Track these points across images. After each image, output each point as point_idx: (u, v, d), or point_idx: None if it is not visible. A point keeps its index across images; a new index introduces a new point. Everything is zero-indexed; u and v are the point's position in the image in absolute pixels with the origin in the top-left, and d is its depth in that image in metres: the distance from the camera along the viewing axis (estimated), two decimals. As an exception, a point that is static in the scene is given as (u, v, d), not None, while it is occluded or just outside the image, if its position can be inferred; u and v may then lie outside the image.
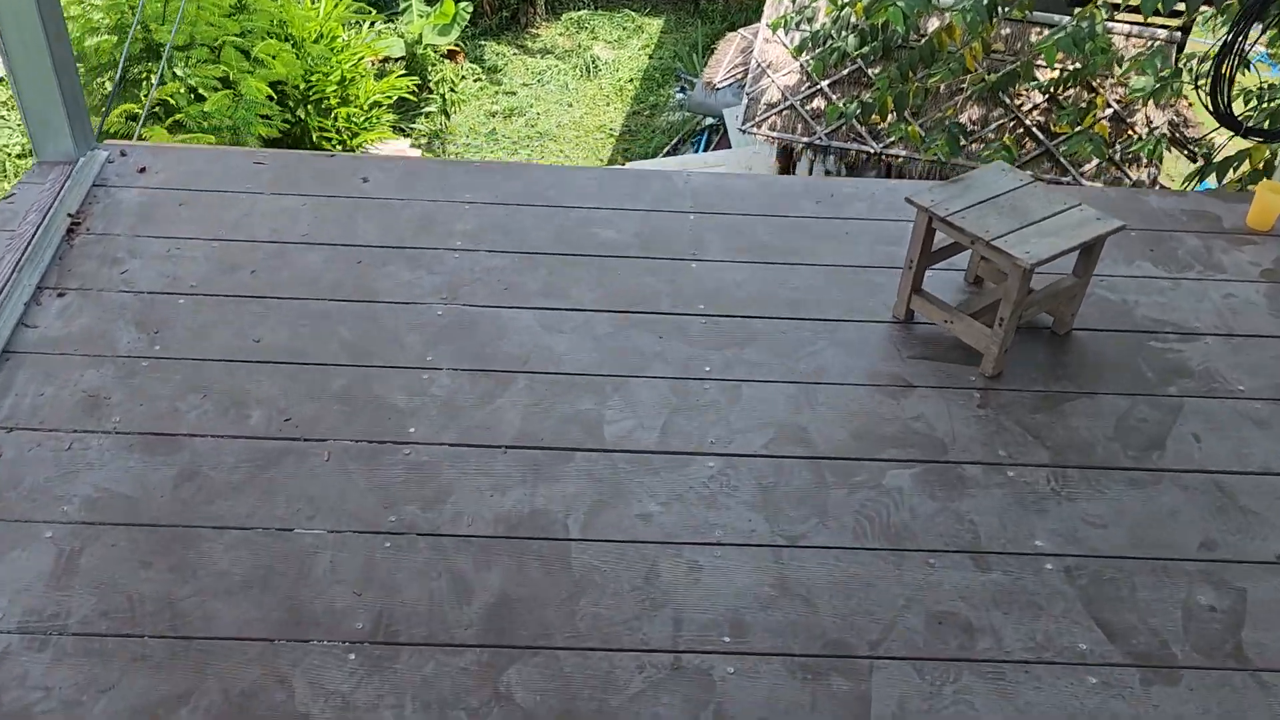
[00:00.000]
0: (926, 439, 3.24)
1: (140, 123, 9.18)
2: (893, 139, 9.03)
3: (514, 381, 3.37)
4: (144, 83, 9.59)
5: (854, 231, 4.10)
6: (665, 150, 12.73)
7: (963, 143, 8.17)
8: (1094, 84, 9.44)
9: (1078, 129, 9.17)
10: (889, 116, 8.53)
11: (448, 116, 12.86)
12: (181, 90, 9.59)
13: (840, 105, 8.47)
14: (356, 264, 3.80)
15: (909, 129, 8.33)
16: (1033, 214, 3.45)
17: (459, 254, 3.87)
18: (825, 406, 3.34)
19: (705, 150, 12.68)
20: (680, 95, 13.32)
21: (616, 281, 3.79)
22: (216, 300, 3.61)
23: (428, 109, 12.92)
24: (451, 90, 12.80)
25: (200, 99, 9.78)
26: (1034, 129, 9.66)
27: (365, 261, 3.81)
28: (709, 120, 12.90)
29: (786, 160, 10.28)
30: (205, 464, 3.02)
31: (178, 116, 9.66)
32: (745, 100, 10.12)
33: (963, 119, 9.84)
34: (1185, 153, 9.92)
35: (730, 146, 12.44)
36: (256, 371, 3.34)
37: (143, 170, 4.19)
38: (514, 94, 13.51)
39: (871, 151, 9.72)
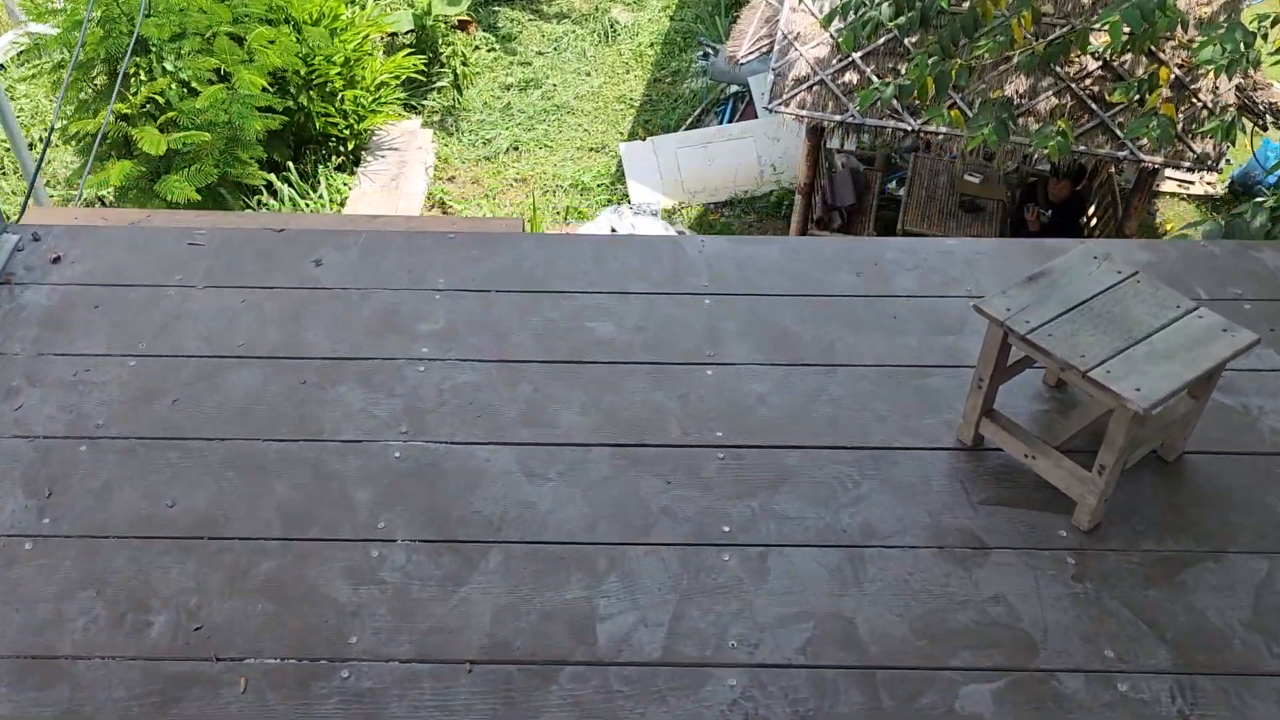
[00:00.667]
0: (1009, 633, 2.48)
1: (95, 141, 8.44)
2: (932, 121, 8.12)
3: (486, 557, 2.63)
4: (133, 79, 8.81)
5: (903, 314, 3.31)
6: (688, 122, 11.83)
7: (1012, 128, 7.27)
8: (1156, 49, 8.45)
9: (1140, 107, 8.23)
10: (929, 98, 7.63)
11: (460, 92, 12.00)
12: (172, 86, 8.82)
13: (874, 87, 7.58)
14: (300, 384, 3.06)
15: (951, 113, 7.44)
16: (1139, 325, 2.65)
17: (425, 366, 3.11)
18: (877, 583, 2.58)
19: (730, 120, 11.77)
20: (703, 62, 12.37)
21: (615, 399, 3.03)
22: (126, 446, 2.88)
23: (439, 84, 12.06)
24: (464, 65, 11.92)
25: (194, 94, 9.01)
26: (1087, 99, 8.71)
27: (312, 381, 3.06)
28: (734, 88, 11.97)
29: (817, 139, 9.39)
30: (88, 702, 2.32)
31: (170, 115, 8.89)
32: (772, 75, 9.21)
33: (1008, 90, 8.89)
34: (1256, 122, 8.95)
35: (756, 116, 11.54)
36: (166, 553, 2.63)
37: (56, 260, 3.44)
38: (529, 64, 12.61)
39: (909, 129, 8.81)
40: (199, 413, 2.96)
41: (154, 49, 8.74)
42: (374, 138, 11.19)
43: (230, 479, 2.79)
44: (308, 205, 10.16)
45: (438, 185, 11.23)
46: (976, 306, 2.70)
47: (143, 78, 8.74)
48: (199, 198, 8.90)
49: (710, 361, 3.14)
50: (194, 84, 9.01)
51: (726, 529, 2.70)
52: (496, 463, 2.85)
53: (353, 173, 10.92)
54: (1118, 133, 8.61)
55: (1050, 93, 8.75)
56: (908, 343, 3.22)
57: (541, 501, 2.75)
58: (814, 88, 9.02)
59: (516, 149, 11.66)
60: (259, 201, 10.03)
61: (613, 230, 9.82)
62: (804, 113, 8.99)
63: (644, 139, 11.57)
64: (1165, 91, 7.87)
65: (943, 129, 8.56)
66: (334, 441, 2.89)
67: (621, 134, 11.86)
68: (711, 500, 2.77)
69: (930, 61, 7.38)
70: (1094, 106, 8.64)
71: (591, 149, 11.76)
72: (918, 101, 7.89)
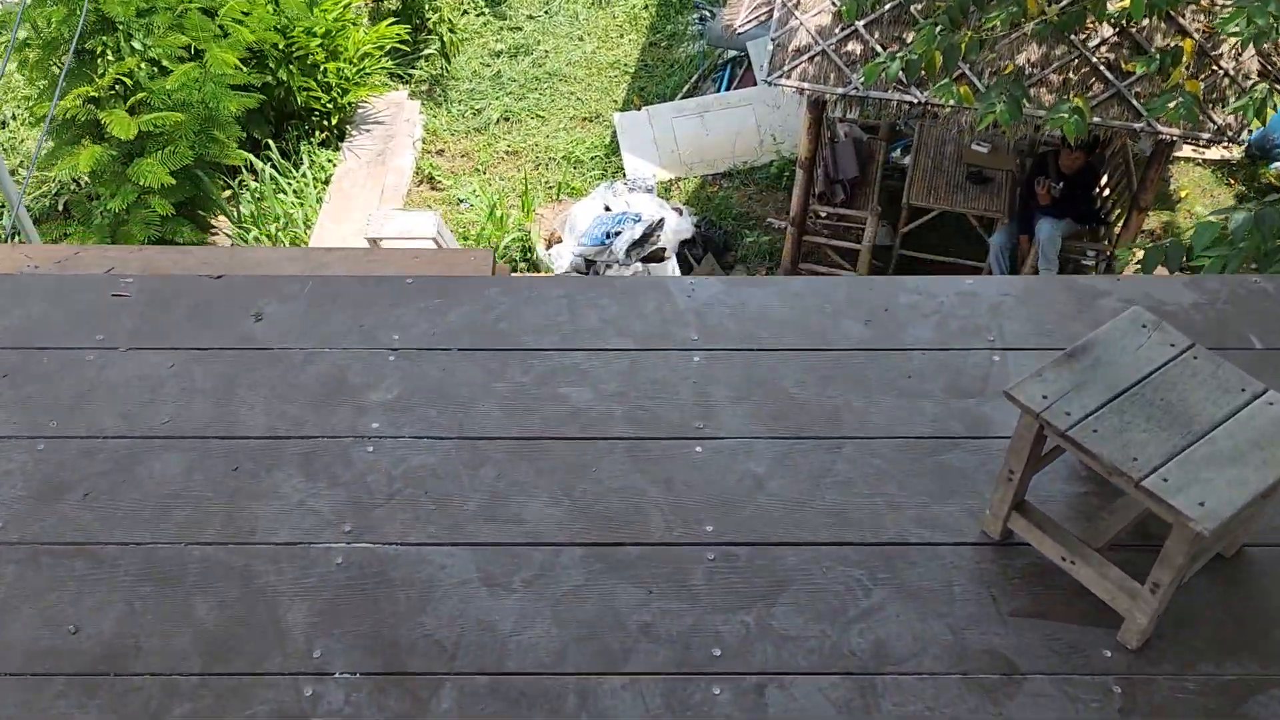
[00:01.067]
0: (1048, 790, 2.11)
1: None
2: (941, 98, 7.60)
3: (438, 694, 2.24)
4: (100, 59, 8.32)
5: (919, 372, 2.89)
6: (685, 89, 11.31)
7: (1025, 104, 6.79)
8: (1177, 14, 7.93)
9: (1161, 79, 7.72)
10: (937, 73, 7.15)
11: (448, 60, 11.47)
12: (141, 65, 8.32)
13: (878, 62, 7.08)
14: (232, 471, 2.65)
15: (960, 90, 6.95)
16: (1199, 416, 2.23)
17: (374, 445, 2.70)
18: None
19: (728, 88, 11.25)
20: (699, 26, 11.82)
21: (590, 486, 2.62)
22: (29, 554, 2.49)
23: (426, 52, 11.53)
24: (451, 31, 11.37)
25: (166, 72, 8.52)
26: (1103, 68, 8.20)
27: (245, 468, 2.66)
28: (732, 53, 11.44)
29: (818, 112, 8.89)
30: None
31: (140, 96, 8.41)
32: (771, 45, 8.69)
33: (1019, 59, 8.38)
34: (1276, 88, 8.43)
35: (755, 83, 11.01)
36: (65, 694, 2.24)
37: (-38, 315, 3.04)
38: (520, 29, 12.05)
39: (915, 102, 8.32)
40: (113, 510, 2.56)
41: (120, 27, 8.24)
42: (359, 111, 10.70)
43: (145, 596, 2.40)
44: (290, 184, 9.69)
45: (426, 159, 10.76)
46: (1009, 394, 2.28)
47: (110, 57, 8.24)
48: (173, 181, 8.45)
49: (700, 435, 2.73)
50: (165, 62, 8.52)
51: (717, 652, 2.30)
52: (453, 569, 2.45)
53: (337, 148, 10.45)
54: (1134, 102, 8.11)
55: (1064, 61, 8.25)
56: (924, 408, 2.80)
57: (503, 620, 2.36)
58: (815, 58, 8.52)
59: (507, 119, 11.16)
60: (240, 182, 9.56)
61: (606, 208, 9.36)
62: (805, 85, 8.48)
63: (639, 108, 11.07)
64: (1189, 64, 7.37)
65: (951, 105, 8.07)
66: (266, 545, 2.49)
67: (616, 102, 11.35)
68: (700, 614, 2.37)
69: (938, 33, 6.89)
70: (1109, 76, 8.14)
71: (585, 118, 11.26)
72: (925, 75, 7.40)
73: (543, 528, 2.53)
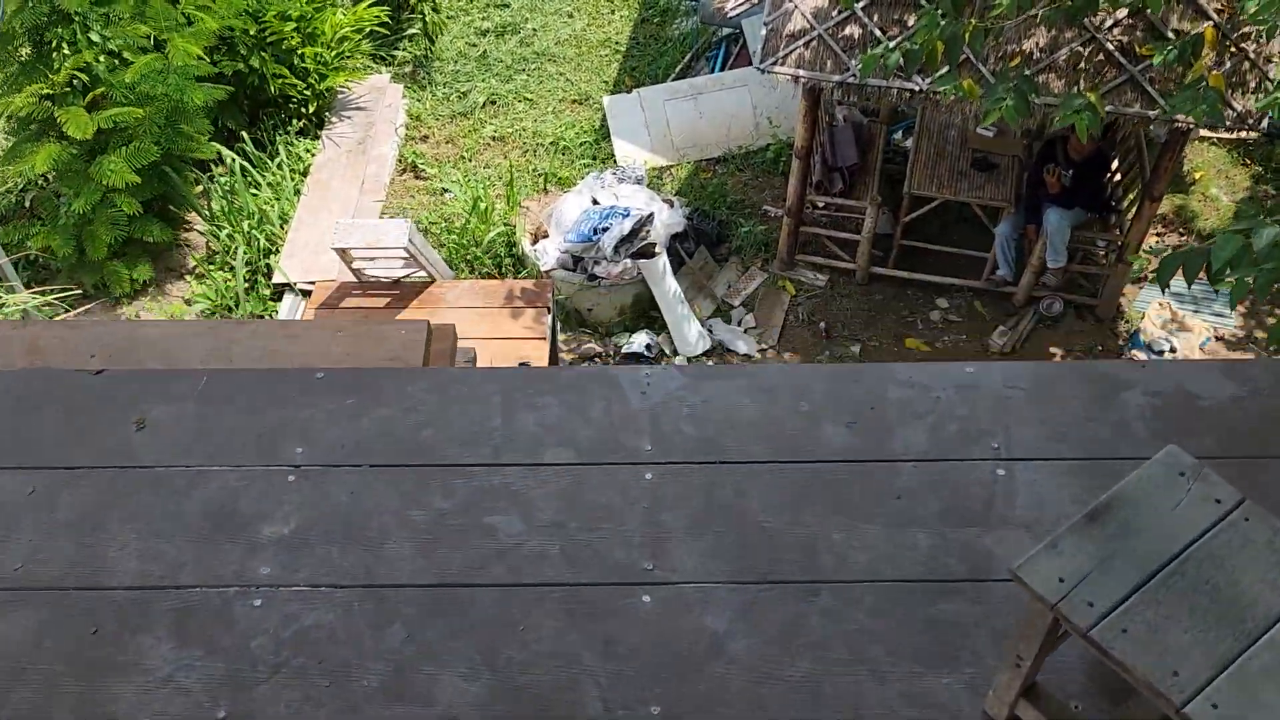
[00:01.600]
0: None
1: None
2: (944, 87, 7.03)
3: None
4: (55, 53, 7.79)
5: (910, 491, 2.42)
6: (678, 69, 10.73)
7: (1035, 99, 6.23)
8: (1196, -1, 7.36)
9: (1180, 69, 7.17)
10: (939, 63, 6.59)
11: (432, 40, 10.89)
12: (100, 58, 7.80)
13: (876, 53, 6.53)
14: (91, 634, 2.21)
15: (965, 83, 6.39)
16: (1253, 605, 1.77)
17: (262, 598, 2.25)
18: None
19: (723, 68, 10.67)
20: (692, 1, 11.22)
21: (516, 652, 2.17)
22: None
23: (409, 31, 10.95)
24: (435, 11, 10.78)
25: (127, 64, 7.99)
26: (1115, 52, 7.64)
27: (106, 629, 2.21)
28: (726, 30, 10.84)
29: (815, 99, 8.34)
30: None
31: (100, 91, 7.89)
32: (764, 30, 8.13)
33: (1026, 45, 7.82)
34: (1300, 73, 7.86)
35: (750, 62, 10.42)
36: None
37: None
38: (507, 6, 11.44)
39: (916, 90, 7.78)
40: (-55, 692, 2.13)
41: (77, 18, 7.71)
42: (339, 97, 10.15)
43: (-29, 811, 1.97)
44: (265, 177, 9.19)
45: (409, 146, 10.23)
46: (1016, 575, 1.81)
47: (65, 51, 7.72)
48: (138, 179, 7.95)
49: (649, 581, 2.27)
50: (127, 54, 7.99)
51: None
52: (346, 770, 2.01)
53: (316, 136, 9.92)
54: (1149, 89, 7.56)
55: (1072, 45, 7.70)
56: (916, 541, 2.34)
57: (402, 842, 1.92)
58: (811, 43, 7.96)
59: (494, 103, 10.61)
60: (210, 177, 9.05)
61: (594, 201, 8.85)
62: (800, 73, 7.94)
63: (630, 89, 10.51)
64: (1210, 54, 6.81)
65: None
66: (124, 738, 2.06)
67: (606, 83, 10.78)
68: (641, 830, 1.94)
69: (941, 21, 6.34)
70: (1123, 60, 7.59)
71: (575, 101, 10.70)
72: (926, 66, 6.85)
73: (457, 710, 2.08)
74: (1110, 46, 7.64)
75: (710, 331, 8.83)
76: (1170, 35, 7.60)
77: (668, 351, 8.71)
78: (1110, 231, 8.85)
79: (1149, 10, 6.05)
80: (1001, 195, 8.84)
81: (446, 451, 2.50)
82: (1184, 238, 9.56)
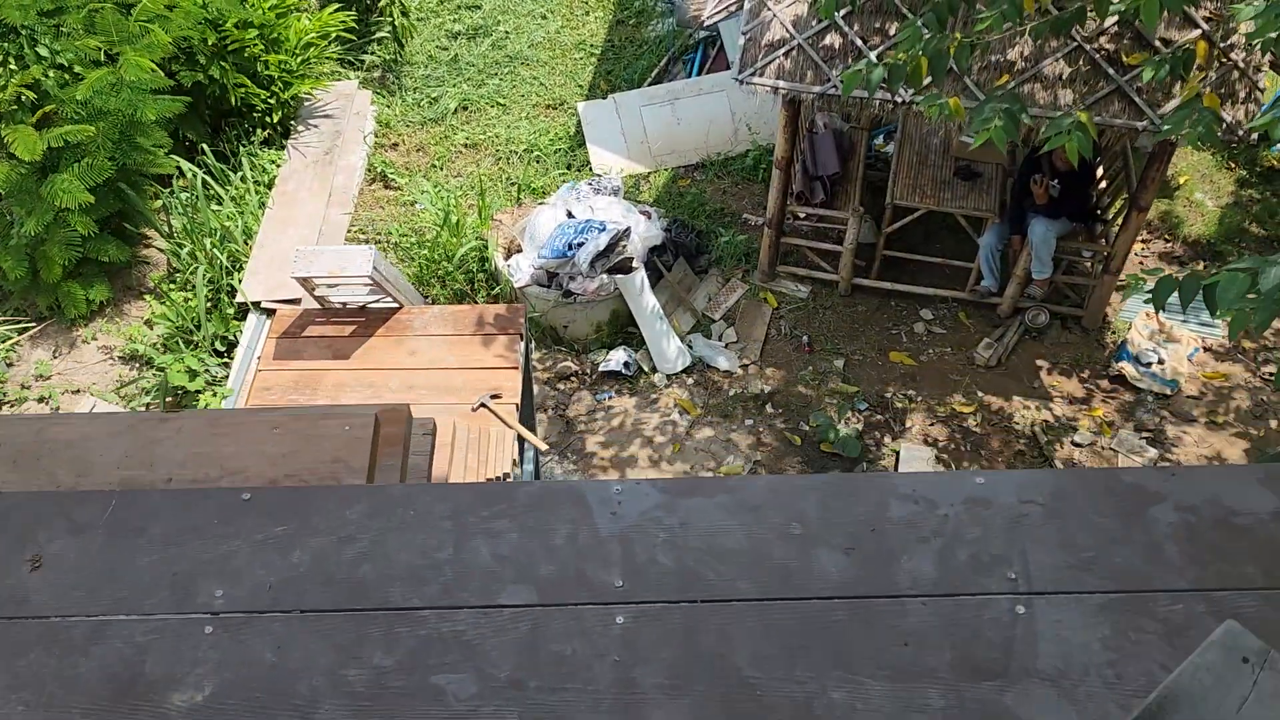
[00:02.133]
0: None
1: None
2: (928, 106, 6.68)
3: None
4: (1, 70, 7.36)
5: (918, 637, 2.09)
6: (654, 73, 10.35)
7: (1025, 118, 5.90)
8: (1190, 6, 7.03)
9: (1171, 85, 6.87)
10: (923, 79, 6.25)
11: (401, 45, 10.47)
12: (49, 74, 7.37)
13: (857, 69, 6.18)
14: (-33, 836, 1.87)
15: (951, 102, 6.06)
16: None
17: (170, 789, 1.91)
18: None
19: (700, 72, 10.30)
20: (668, 3, 10.83)
21: None
22: None
23: (378, 35, 10.53)
24: (403, 15, 10.36)
25: (79, 79, 7.57)
26: (1102, 61, 7.33)
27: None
28: (703, 33, 10.47)
29: (795, 110, 8.00)
30: None
31: (50, 107, 7.47)
32: (742, 40, 7.77)
33: (1012, 54, 7.50)
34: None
35: (728, 66, 10.07)
36: None
37: None
38: (478, 7, 11.02)
39: (900, 102, 7.44)
40: None
41: (24, 32, 7.28)
42: (304, 105, 9.74)
43: None
44: (228, 191, 8.78)
45: (378, 155, 9.84)
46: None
47: (13, 66, 7.29)
48: (91, 198, 7.54)
49: (619, 759, 1.94)
50: (77, 68, 7.57)
51: None
52: None
53: (282, 146, 9.51)
54: (1135, 99, 7.26)
55: (1060, 54, 7.38)
56: (927, 699, 2.01)
57: None
58: (791, 53, 7.62)
59: (466, 108, 10.22)
60: (171, 192, 8.63)
61: (569, 214, 8.49)
62: (780, 84, 7.60)
63: (605, 94, 10.12)
64: (1205, 71, 6.51)
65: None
66: None
67: (581, 87, 10.41)
68: None
69: (924, 38, 6.00)
70: (1110, 70, 7.28)
71: (549, 105, 10.33)
72: (910, 85, 6.52)
73: None
74: (1097, 57, 7.33)
75: (690, 347, 8.50)
76: (1158, 44, 7.30)
77: (646, 369, 8.38)
78: (1096, 242, 8.56)
79: (1141, 20, 5.74)
80: (986, 205, 8.53)
81: (389, 592, 2.15)
82: (1169, 244, 9.29)
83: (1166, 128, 5.63)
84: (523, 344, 6.49)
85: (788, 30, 7.58)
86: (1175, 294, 4.44)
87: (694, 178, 9.74)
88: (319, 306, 6.66)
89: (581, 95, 10.23)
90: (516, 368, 6.35)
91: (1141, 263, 9.19)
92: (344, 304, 6.64)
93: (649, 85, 10.14)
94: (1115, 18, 7.18)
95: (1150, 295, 4.66)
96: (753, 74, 7.59)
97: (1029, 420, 8.05)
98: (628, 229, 8.14)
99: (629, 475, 7.72)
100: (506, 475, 5.05)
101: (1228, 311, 4.36)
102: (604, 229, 8.07)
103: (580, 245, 8.04)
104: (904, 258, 8.83)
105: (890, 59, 6.08)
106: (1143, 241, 9.28)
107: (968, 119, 6.26)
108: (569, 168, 9.66)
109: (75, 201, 7.38)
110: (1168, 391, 8.22)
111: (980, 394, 8.24)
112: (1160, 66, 5.98)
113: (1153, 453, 7.84)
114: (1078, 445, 7.93)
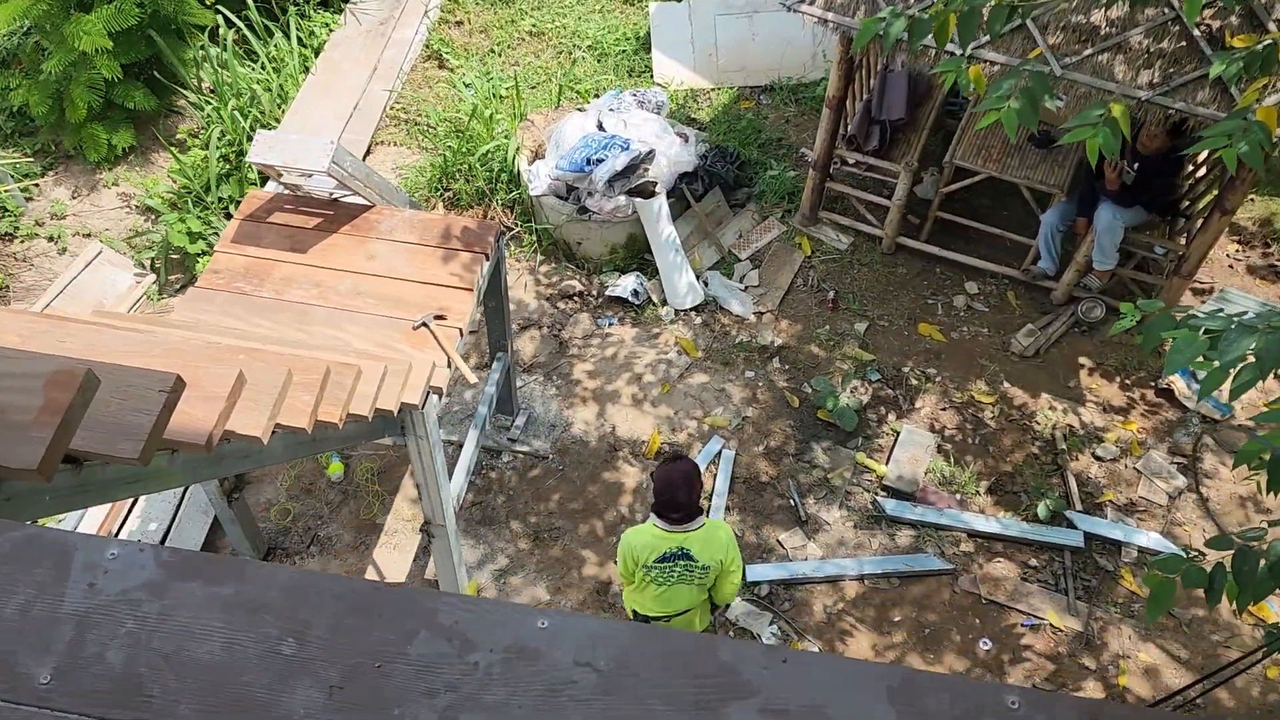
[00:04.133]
0: None
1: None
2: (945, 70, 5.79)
3: None
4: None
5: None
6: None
7: (1052, 101, 5.02)
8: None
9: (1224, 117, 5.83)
10: (948, 40, 5.40)
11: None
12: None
13: (876, 18, 5.37)
14: None
15: (972, 72, 5.21)
16: None
17: None
18: None
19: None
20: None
21: None
22: None
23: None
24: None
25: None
26: (1201, 39, 6.27)
27: None
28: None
29: (849, 46, 7.17)
30: None
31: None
32: (797, -41, 6.93)
33: (1095, 16, 6.48)
34: None
35: (819, -16, 9.12)
36: None
37: None
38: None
39: (956, 55, 6.54)
40: None
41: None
42: (371, -36, 9.27)
43: None
44: (266, 51, 8.47)
45: (439, 32, 9.35)
46: None
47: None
48: (109, 43, 7.33)
49: None
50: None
51: None
52: None
53: (340, 9, 9.11)
54: (1231, 88, 6.21)
55: (1152, 25, 6.34)
56: None
57: None
58: (845, -19, 6.77)
59: (540, -8, 9.61)
60: (200, 47, 8.35)
61: (599, 126, 7.91)
62: (829, 16, 6.80)
63: (682, -3, 9.36)
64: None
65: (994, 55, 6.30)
66: None
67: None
68: None
69: (956, -11, 5.14)
70: (1207, 50, 6.22)
71: (625, 0, 9.62)
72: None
73: None
74: (1197, 33, 6.27)
75: (705, 284, 7.92)
76: (1272, 27, 6.19)
77: (655, 300, 7.86)
78: (1173, 239, 7.53)
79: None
80: (1055, 179, 7.57)
81: None
82: (1267, 255, 8.14)
83: (1206, 139, 4.70)
84: (486, 265, 6.06)
85: (844, -46, 6.72)
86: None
87: (759, 101, 8.98)
88: (290, 194, 6.34)
89: (660, -8, 9.50)
90: (470, 289, 5.93)
91: (1230, 266, 8.09)
92: (314, 194, 6.31)
93: (730, -7, 9.33)
94: (1224, -11, 6.09)
95: (1142, 334, 3.93)
96: (801, 1, 6.78)
97: (1052, 422, 7.26)
98: (651, 152, 7.52)
99: (610, 411, 7.30)
100: (362, 417, 4.67)
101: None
102: (627, 148, 7.48)
103: (600, 162, 7.49)
104: (960, 222, 7.98)
105: (916, 10, 5.25)
106: (1237, 245, 8.17)
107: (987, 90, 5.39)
108: (630, 73, 9.02)
109: (94, 45, 7.18)
110: (1218, 415, 7.28)
111: (1006, 384, 7.45)
112: (1233, 64, 5.01)
113: (1180, 481, 6.97)
114: (1099, 459, 7.12)
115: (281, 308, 5.67)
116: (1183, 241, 7.41)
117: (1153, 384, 7.48)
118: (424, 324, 5.72)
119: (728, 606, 6.19)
